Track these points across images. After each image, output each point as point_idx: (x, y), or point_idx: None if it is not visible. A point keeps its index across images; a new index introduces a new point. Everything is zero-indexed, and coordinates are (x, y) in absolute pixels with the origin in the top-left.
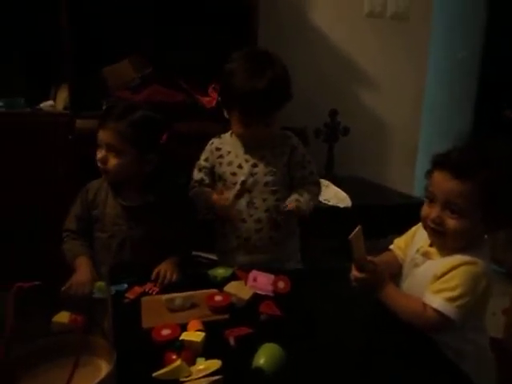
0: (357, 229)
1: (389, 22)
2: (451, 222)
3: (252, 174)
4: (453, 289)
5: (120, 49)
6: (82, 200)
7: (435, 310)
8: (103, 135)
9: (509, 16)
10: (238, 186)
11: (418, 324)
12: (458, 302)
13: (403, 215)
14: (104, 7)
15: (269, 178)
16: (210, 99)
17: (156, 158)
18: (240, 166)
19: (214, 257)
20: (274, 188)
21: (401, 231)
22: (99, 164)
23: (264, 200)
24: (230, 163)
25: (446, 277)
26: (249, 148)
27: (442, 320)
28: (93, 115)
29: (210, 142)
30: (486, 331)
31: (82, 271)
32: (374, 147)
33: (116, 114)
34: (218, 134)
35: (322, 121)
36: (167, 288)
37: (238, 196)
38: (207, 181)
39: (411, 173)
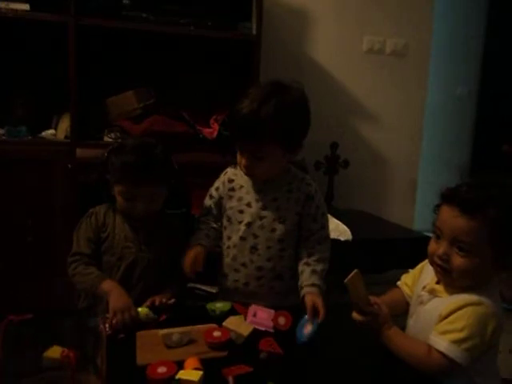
0: (353, 272)
1: (388, 59)
2: (458, 260)
3: (259, 217)
4: (459, 331)
5: (122, 81)
6: (91, 223)
7: (441, 353)
8: (142, 190)
9: (505, 55)
10: (243, 227)
11: (424, 367)
12: (465, 345)
13: (403, 249)
14: (109, 39)
15: (277, 225)
16: (212, 130)
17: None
18: (249, 205)
19: (212, 289)
20: (280, 237)
21: (401, 265)
22: (137, 210)
23: (268, 248)
24: (239, 199)
25: (452, 317)
26: (261, 186)
27: (448, 363)
28: (93, 144)
29: (224, 172)
30: (498, 375)
31: (118, 295)
32: (373, 180)
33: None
34: (220, 166)
35: (322, 153)
36: (165, 322)
37: (242, 238)
38: (215, 211)
39: (411, 206)
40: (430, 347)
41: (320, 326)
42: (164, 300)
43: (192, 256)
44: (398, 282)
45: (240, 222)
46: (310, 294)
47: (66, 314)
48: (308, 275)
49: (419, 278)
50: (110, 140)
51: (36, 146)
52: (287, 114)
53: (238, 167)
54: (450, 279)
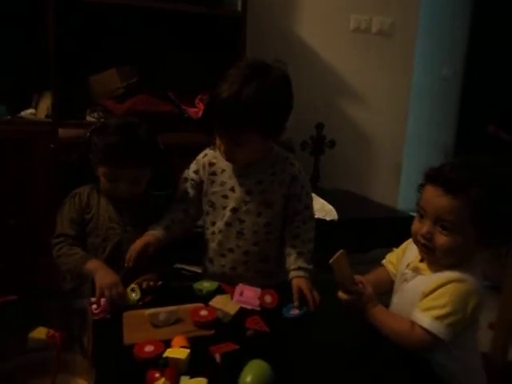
0: (338, 253)
1: (374, 38)
2: (441, 239)
3: (245, 202)
4: (442, 307)
5: (106, 58)
6: (75, 204)
7: (424, 329)
8: (126, 172)
9: (491, 35)
10: (228, 213)
11: (407, 343)
12: (448, 321)
13: (388, 229)
14: (92, 16)
15: (263, 210)
16: (197, 110)
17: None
18: (233, 190)
19: (198, 270)
20: (267, 220)
21: (386, 244)
22: (121, 192)
23: (254, 232)
24: (222, 183)
25: (435, 294)
26: (244, 170)
27: (430, 339)
28: (76, 124)
29: (203, 154)
30: (478, 350)
31: (105, 273)
32: (359, 160)
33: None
34: (205, 147)
35: (308, 134)
36: (151, 302)
37: (228, 224)
38: (191, 195)
39: (396, 186)
40: (413, 323)
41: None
42: (151, 283)
43: (141, 245)
44: (383, 261)
45: (224, 208)
46: (297, 279)
47: (52, 296)
48: (294, 258)
49: (403, 257)
50: (93, 119)
51: (16, 126)
52: (268, 97)
53: (217, 150)
54: (434, 257)
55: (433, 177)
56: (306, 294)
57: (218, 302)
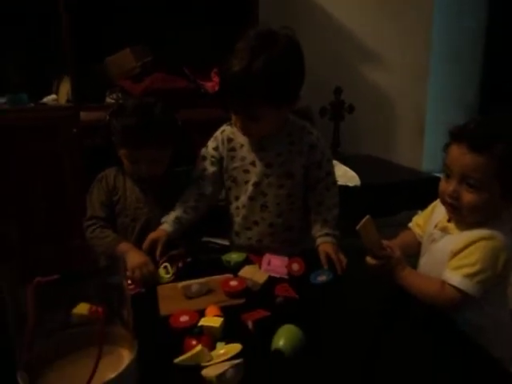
0: (365, 218)
1: None
2: (468, 196)
3: (266, 175)
4: (472, 265)
5: (120, 39)
6: (103, 187)
7: (455, 287)
8: (145, 153)
9: None
10: (250, 188)
11: (438, 303)
12: (478, 278)
13: (413, 191)
14: None
15: (285, 181)
16: (213, 84)
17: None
18: (253, 164)
19: (225, 242)
20: (289, 191)
21: (411, 207)
22: (143, 172)
23: (278, 204)
24: (242, 158)
25: (465, 252)
26: (262, 143)
27: (461, 296)
28: (96, 107)
29: (221, 130)
30: (508, 305)
31: (135, 254)
32: (380, 124)
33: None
34: (223, 122)
35: (326, 100)
36: (183, 274)
37: (251, 198)
38: (210, 171)
39: (419, 147)
40: (443, 283)
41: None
42: (180, 264)
43: (149, 243)
44: (410, 224)
45: (246, 182)
46: (324, 245)
47: (89, 274)
48: (320, 225)
49: (431, 218)
50: (113, 101)
51: (39, 113)
52: (278, 67)
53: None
54: (461, 216)
55: (457, 135)
56: (334, 259)
57: (246, 272)
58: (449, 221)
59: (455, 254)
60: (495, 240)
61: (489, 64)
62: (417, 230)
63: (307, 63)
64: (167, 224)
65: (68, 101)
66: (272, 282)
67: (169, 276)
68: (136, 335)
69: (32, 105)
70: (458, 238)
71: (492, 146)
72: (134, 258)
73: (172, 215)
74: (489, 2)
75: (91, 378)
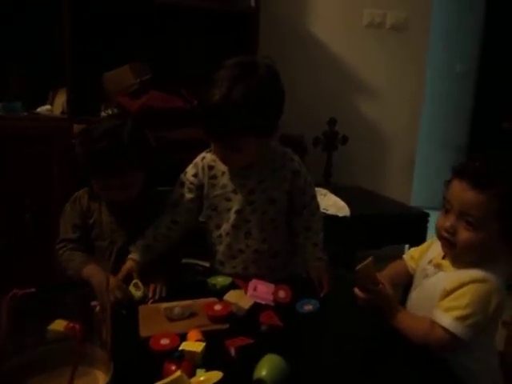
0: (368, 260)
1: (388, 33)
2: (465, 234)
3: (248, 203)
4: (463, 307)
5: (120, 55)
6: (76, 208)
7: (445, 329)
8: (114, 181)
9: (505, 31)
10: (233, 215)
11: (426, 343)
12: (469, 321)
13: (401, 225)
14: (106, 13)
15: (268, 207)
16: None
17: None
18: (235, 192)
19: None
20: (273, 217)
21: (399, 240)
22: (115, 197)
23: (262, 230)
24: (223, 186)
25: (457, 293)
26: (244, 171)
27: (451, 339)
28: (90, 120)
29: (201, 157)
30: (495, 349)
31: (101, 277)
32: (372, 156)
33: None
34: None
35: (320, 129)
36: (167, 295)
37: (235, 226)
38: (187, 198)
39: (409, 183)
40: (433, 323)
41: (321, 304)
42: (163, 291)
43: (123, 275)
44: (404, 255)
45: (229, 210)
46: (316, 269)
47: (70, 288)
48: (311, 250)
49: (426, 253)
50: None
51: (32, 122)
52: (258, 96)
53: None
54: (456, 253)
55: (460, 171)
56: (324, 283)
57: (232, 296)
58: (443, 257)
59: (448, 293)
60: (488, 283)
61: (478, 105)
62: (410, 263)
63: (303, 93)
64: (136, 253)
65: (62, 112)
66: (257, 308)
67: (140, 293)
68: (113, 357)
69: (25, 114)
70: (451, 276)
71: (494, 185)
72: (101, 282)
73: (140, 243)
74: (480, 48)
75: None
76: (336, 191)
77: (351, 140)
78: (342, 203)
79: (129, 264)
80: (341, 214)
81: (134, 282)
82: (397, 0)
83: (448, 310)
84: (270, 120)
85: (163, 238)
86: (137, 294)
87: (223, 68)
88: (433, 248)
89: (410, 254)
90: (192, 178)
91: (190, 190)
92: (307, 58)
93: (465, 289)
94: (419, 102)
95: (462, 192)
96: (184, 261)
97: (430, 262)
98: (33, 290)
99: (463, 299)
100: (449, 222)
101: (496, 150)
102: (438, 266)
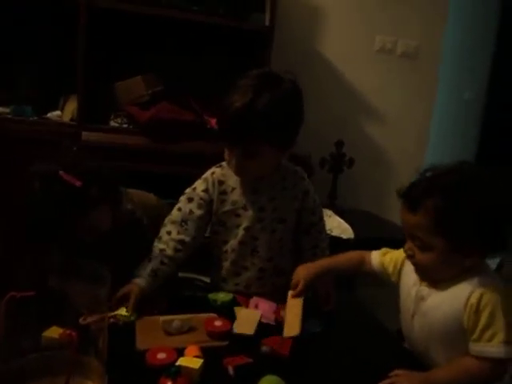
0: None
1: (398, 59)
2: (419, 256)
3: (258, 220)
4: (500, 329)
5: (132, 66)
6: None
7: (495, 359)
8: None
9: None
10: (241, 232)
11: (481, 380)
12: (507, 335)
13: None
14: (122, 24)
15: (277, 226)
16: None
17: None
18: (245, 208)
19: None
20: (281, 236)
21: None
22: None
23: (269, 248)
24: (234, 202)
25: (482, 320)
26: (255, 186)
27: (502, 364)
28: (99, 128)
29: (211, 172)
30: None
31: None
32: (378, 180)
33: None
34: (222, 161)
35: (327, 151)
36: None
37: (242, 243)
38: (196, 214)
39: None
40: (478, 360)
41: (323, 325)
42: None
43: (121, 295)
44: (374, 253)
45: (237, 227)
46: (324, 283)
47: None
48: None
49: (403, 268)
50: (116, 125)
51: (42, 127)
52: (281, 108)
53: (224, 167)
54: (426, 275)
55: (399, 194)
56: (331, 298)
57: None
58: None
59: (472, 322)
60: (494, 290)
61: (485, 133)
62: (377, 265)
63: (312, 114)
64: (142, 278)
65: (72, 119)
66: (258, 327)
67: (129, 317)
68: (108, 368)
69: (35, 118)
70: (453, 297)
71: (423, 203)
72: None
73: (148, 267)
74: (488, 76)
75: None
76: (340, 213)
77: (357, 163)
78: (346, 225)
79: (130, 287)
80: (345, 236)
81: (125, 305)
82: (408, 28)
83: (489, 339)
84: (289, 133)
85: (170, 261)
86: (124, 317)
87: (247, 77)
88: (410, 263)
89: (381, 261)
90: (202, 194)
91: (200, 206)
92: (317, 79)
93: (485, 310)
94: (426, 128)
95: (403, 215)
96: (182, 275)
97: (421, 283)
98: (31, 293)
99: (491, 320)
100: (406, 245)
101: (456, 166)
102: (431, 284)
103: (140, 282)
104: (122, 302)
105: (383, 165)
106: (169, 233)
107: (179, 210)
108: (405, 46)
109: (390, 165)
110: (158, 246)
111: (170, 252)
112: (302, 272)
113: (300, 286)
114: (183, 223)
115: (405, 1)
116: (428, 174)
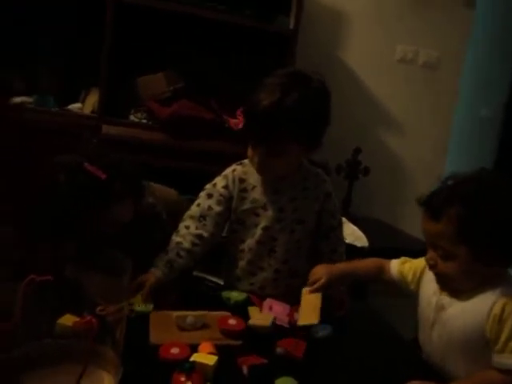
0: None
1: (419, 70)
2: (442, 265)
3: (278, 220)
4: None
5: (155, 63)
6: None
7: None
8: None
9: None
10: (259, 231)
11: None
12: None
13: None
14: (147, 19)
15: (296, 227)
16: (237, 121)
17: None
18: (265, 208)
19: (220, 281)
20: (299, 237)
21: None
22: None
23: (287, 250)
24: (253, 201)
25: (506, 330)
26: (276, 186)
27: None
28: (119, 122)
29: (232, 169)
30: None
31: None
32: (392, 190)
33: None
34: (241, 158)
35: (344, 157)
36: (179, 305)
37: (259, 242)
38: (215, 211)
39: None
40: (502, 372)
41: (336, 331)
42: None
43: (137, 284)
44: (393, 261)
45: (256, 226)
46: (338, 289)
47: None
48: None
49: (423, 278)
50: (136, 120)
51: (63, 118)
52: (310, 107)
53: (246, 165)
54: (449, 285)
55: (420, 203)
56: (345, 305)
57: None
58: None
59: (495, 334)
60: None
61: (502, 150)
62: (396, 274)
63: (332, 119)
64: (157, 268)
65: (92, 112)
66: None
67: (143, 307)
68: (123, 361)
69: (57, 109)
70: (476, 304)
71: (445, 212)
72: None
73: (164, 258)
74: (508, 93)
75: None
76: (354, 221)
77: (373, 171)
78: (360, 233)
79: (146, 276)
80: (359, 244)
81: (141, 293)
82: (430, 38)
83: (510, 351)
84: (317, 132)
85: (186, 254)
86: (139, 309)
87: (275, 76)
88: (430, 273)
89: (400, 270)
90: (222, 190)
91: (219, 203)
92: (338, 86)
93: (509, 320)
94: (444, 141)
95: (425, 224)
96: (195, 273)
97: (441, 292)
98: (49, 277)
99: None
100: (428, 255)
101: (476, 173)
102: (452, 294)
103: (156, 272)
104: (138, 290)
105: (399, 174)
106: (187, 227)
107: (198, 205)
108: (426, 56)
109: (406, 175)
110: (175, 239)
111: (186, 245)
112: (324, 270)
113: (322, 281)
114: (201, 218)
115: (427, 11)
116: (449, 183)
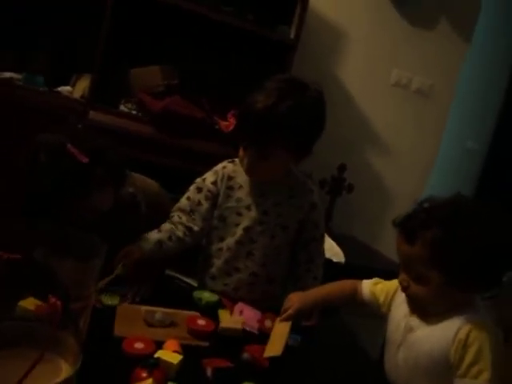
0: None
1: (412, 95)
2: (414, 288)
3: (260, 223)
4: (485, 367)
5: (150, 55)
6: None
7: None
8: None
9: None
10: (239, 231)
11: None
12: (495, 372)
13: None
14: (148, 12)
15: (277, 232)
16: (228, 124)
17: None
18: (249, 208)
19: (193, 282)
20: (279, 243)
21: None
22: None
23: (265, 254)
24: (238, 200)
25: (469, 357)
26: (262, 188)
27: None
28: (108, 111)
29: (222, 165)
30: None
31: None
32: (373, 210)
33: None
34: (230, 159)
35: (329, 172)
36: (147, 299)
37: (239, 242)
38: (204, 207)
39: None
40: None
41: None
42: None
43: (122, 254)
44: (365, 282)
45: (237, 225)
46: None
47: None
48: (310, 282)
49: (394, 299)
50: (126, 110)
51: (51, 99)
52: (304, 115)
53: (237, 164)
54: (419, 308)
55: (395, 224)
56: (314, 316)
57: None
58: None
59: (458, 357)
60: (483, 327)
61: (484, 184)
62: (368, 295)
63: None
64: (146, 242)
65: (82, 97)
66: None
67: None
68: (84, 350)
69: (46, 89)
70: (443, 328)
71: (420, 235)
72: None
73: (155, 236)
74: (495, 128)
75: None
76: (332, 236)
77: (357, 189)
78: (337, 249)
79: (131, 249)
80: (335, 259)
81: (123, 262)
82: (425, 66)
83: (476, 376)
84: (307, 141)
85: (177, 241)
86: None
87: (273, 80)
88: (402, 295)
89: (373, 290)
90: (211, 186)
91: (207, 198)
92: (330, 101)
93: (472, 346)
94: (429, 166)
95: (399, 246)
96: (167, 272)
97: (411, 314)
98: (18, 256)
99: (476, 357)
100: (401, 276)
101: (453, 198)
102: (424, 318)
103: (144, 246)
104: (121, 261)
105: (382, 195)
106: (179, 217)
107: (188, 198)
108: (419, 83)
109: (388, 196)
110: (168, 225)
111: (179, 233)
112: (296, 300)
113: (290, 311)
114: (191, 213)
115: (425, 38)
116: (425, 205)
